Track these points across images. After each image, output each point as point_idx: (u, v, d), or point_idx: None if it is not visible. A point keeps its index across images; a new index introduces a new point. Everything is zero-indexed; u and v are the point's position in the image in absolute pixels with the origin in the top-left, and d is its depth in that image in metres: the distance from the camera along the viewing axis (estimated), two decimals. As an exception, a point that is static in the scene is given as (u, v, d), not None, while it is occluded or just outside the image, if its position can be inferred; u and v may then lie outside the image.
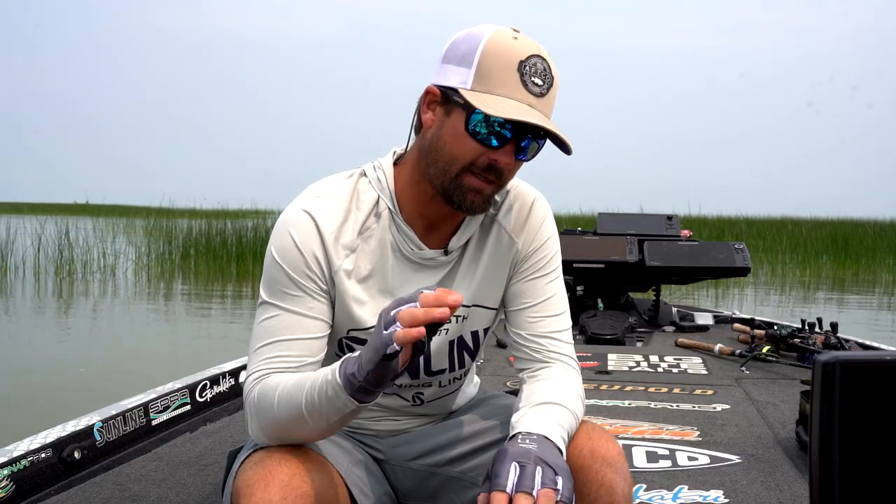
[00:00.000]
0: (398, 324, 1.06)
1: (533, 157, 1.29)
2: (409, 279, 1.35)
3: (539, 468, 1.09)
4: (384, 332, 1.08)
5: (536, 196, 1.43)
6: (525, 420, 1.24)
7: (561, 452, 1.18)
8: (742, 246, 4.80)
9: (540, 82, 1.22)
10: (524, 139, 1.25)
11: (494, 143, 1.23)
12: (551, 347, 1.38)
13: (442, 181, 1.27)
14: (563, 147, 1.27)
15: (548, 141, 1.28)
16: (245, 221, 15.01)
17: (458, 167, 1.25)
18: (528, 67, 1.21)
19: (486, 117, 1.22)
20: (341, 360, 1.16)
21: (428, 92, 1.28)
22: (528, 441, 1.16)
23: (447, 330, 1.40)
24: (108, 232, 15.77)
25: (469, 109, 1.22)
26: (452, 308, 1.05)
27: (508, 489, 1.07)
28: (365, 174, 1.37)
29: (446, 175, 1.26)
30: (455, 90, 1.24)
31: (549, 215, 1.44)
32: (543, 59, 1.23)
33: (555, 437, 1.19)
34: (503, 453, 1.13)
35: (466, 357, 1.45)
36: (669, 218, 5.09)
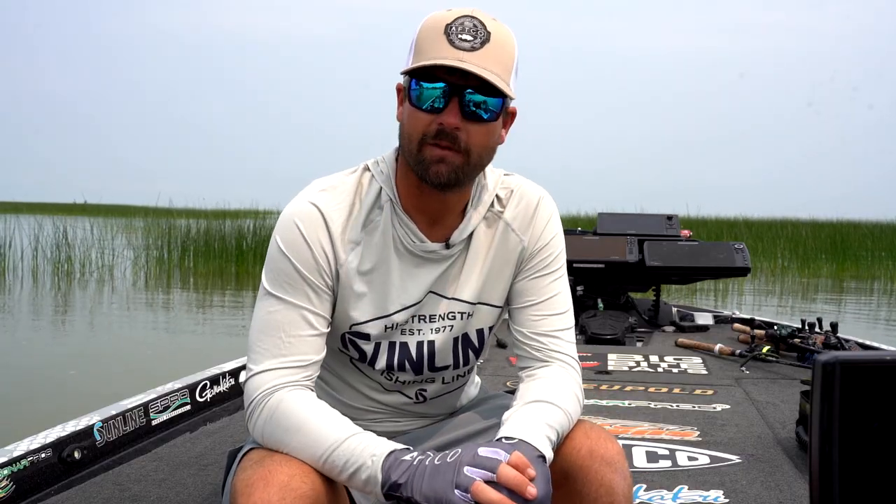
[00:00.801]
0: (470, 496, 1.09)
1: (492, 115, 1.26)
2: (410, 273, 1.35)
3: None
4: (455, 491, 1.10)
5: (542, 195, 1.43)
6: (512, 420, 1.25)
7: (542, 455, 1.18)
8: (742, 246, 4.80)
9: (469, 38, 1.21)
10: (465, 97, 1.23)
11: (437, 105, 1.24)
12: (552, 346, 1.38)
13: (411, 161, 1.29)
14: (500, 93, 1.24)
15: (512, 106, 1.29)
16: (245, 222, 15.01)
17: (416, 142, 1.26)
18: (454, 28, 1.22)
19: (422, 85, 1.23)
20: (390, 452, 1.16)
21: (398, 90, 1.31)
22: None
23: (451, 327, 1.40)
24: (106, 232, 15.76)
25: (408, 84, 1.25)
26: (529, 499, 1.09)
27: None
28: (368, 168, 1.38)
29: (411, 154, 1.28)
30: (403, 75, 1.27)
31: (554, 214, 1.44)
32: (473, 18, 1.23)
33: (538, 440, 1.20)
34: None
35: (471, 355, 1.45)
36: (669, 218, 5.09)
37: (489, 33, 1.22)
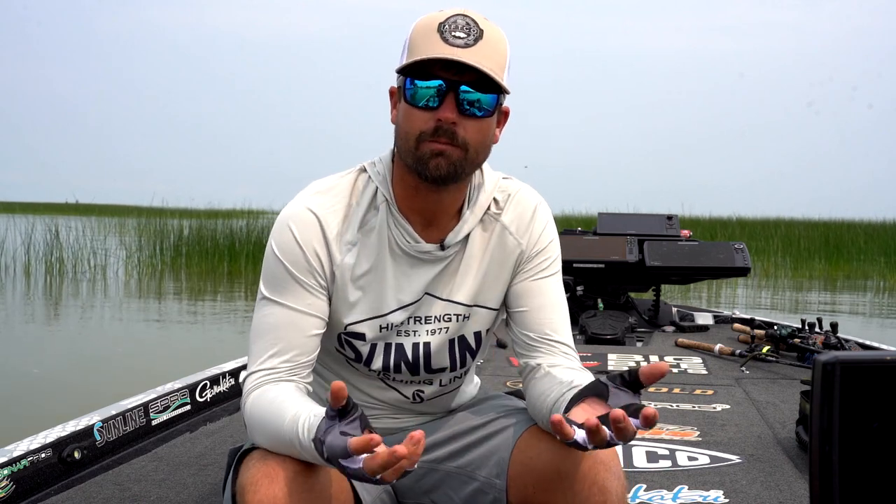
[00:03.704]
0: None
1: (487, 112, 1.27)
2: (405, 274, 1.36)
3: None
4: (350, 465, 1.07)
5: (539, 201, 1.45)
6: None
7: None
8: (742, 246, 4.80)
9: (462, 35, 1.23)
10: (461, 91, 1.24)
11: (433, 103, 1.25)
12: (562, 350, 1.40)
13: (408, 159, 1.30)
14: (494, 89, 1.25)
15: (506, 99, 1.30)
16: (238, 221, 15.00)
17: (413, 139, 1.27)
18: (447, 25, 1.24)
19: (416, 83, 1.25)
20: (316, 427, 1.12)
21: (391, 93, 1.33)
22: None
23: (447, 329, 1.41)
24: (99, 232, 15.73)
25: (402, 83, 1.27)
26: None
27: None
28: (365, 170, 1.39)
29: (409, 151, 1.29)
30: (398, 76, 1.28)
31: (551, 221, 1.46)
32: (466, 16, 1.25)
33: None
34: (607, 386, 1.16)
35: (468, 356, 1.45)
36: (669, 218, 5.09)
37: (482, 31, 1.25)
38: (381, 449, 1.04)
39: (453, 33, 1.23)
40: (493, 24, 1.28)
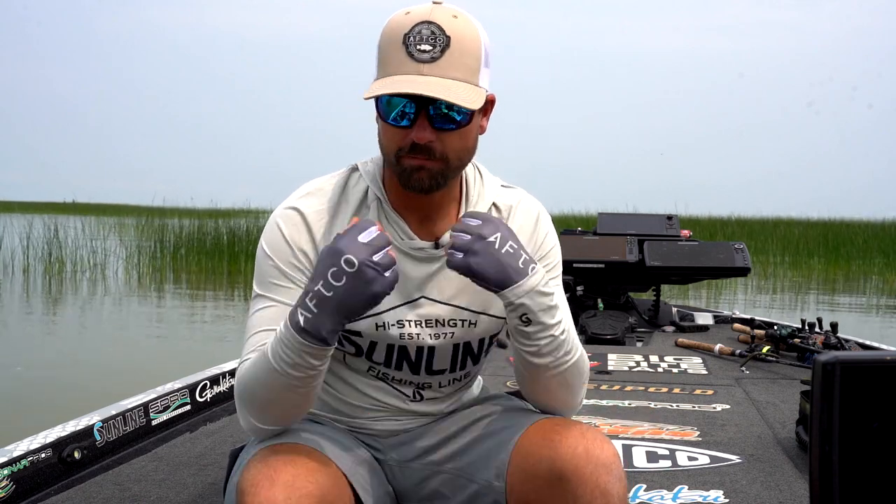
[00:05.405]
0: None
1: (464, 118, 1.25)
2: (398, 271, 1.35)
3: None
4: (381, 275, 1.18)
5: (540, 209, 1.46)
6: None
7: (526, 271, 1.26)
8: (742, 246, 4.80)
9: (428, 47, 1.20)
10: (431, 110, 1.23)
11: (406, 122, 1.24)
12: None
13: (394, 171, 1.31)
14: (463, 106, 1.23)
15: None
16: (238, 221, 15.01)
17: (393, 154, 1.28)
18: (412, 38, 1.20)
19: (389, 101, 1.24)
20: (287, 323, 1.21)
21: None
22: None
23: (452, 334, 1.40)
24: (98, 231, 15.72)
25: (376, 99, 1.25)
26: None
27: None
28: (356, 168, 1.40)
29: (391, 164, 1.30)
30: None
31: (552, 228, 1.47)
32: (430, 23, 1.21)
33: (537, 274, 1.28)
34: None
35: (469, 361, 1.45)
36: (669, 218, 5.09)
37: (448, 38, 1.21)
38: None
39: (418, 47, 1.20)
40: (464, 18, 1.24)
